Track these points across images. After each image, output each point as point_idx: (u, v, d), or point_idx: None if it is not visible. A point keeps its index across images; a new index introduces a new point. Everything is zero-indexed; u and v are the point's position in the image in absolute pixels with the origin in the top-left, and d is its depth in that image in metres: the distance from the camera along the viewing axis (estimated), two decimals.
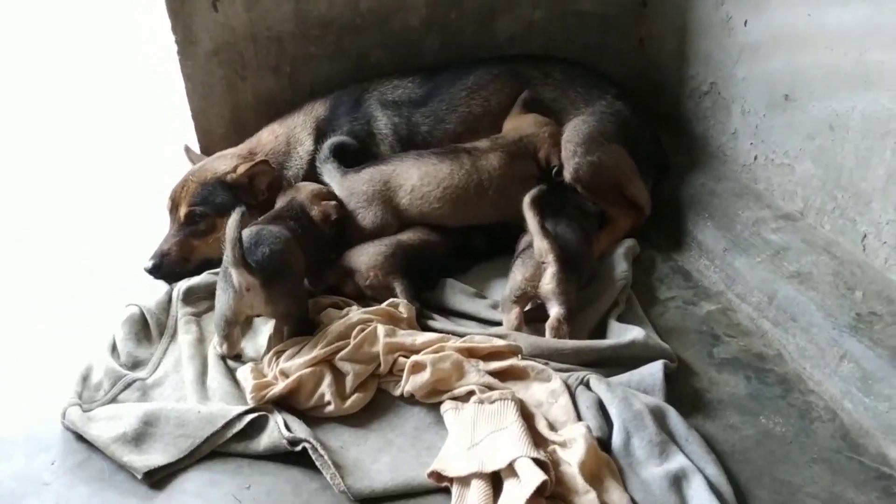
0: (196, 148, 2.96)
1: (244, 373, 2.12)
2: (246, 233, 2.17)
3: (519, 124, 2.69)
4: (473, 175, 2.52)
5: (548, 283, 2.20)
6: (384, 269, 2.39)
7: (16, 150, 3.80)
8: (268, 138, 2.80)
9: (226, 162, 2.69)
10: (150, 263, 2.57)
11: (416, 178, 2.53)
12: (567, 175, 2.61)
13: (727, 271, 2.48)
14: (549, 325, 2.19)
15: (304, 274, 2.35)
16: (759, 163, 2.66)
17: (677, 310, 2.45)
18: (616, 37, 3.21)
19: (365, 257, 2.42)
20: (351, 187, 2.58)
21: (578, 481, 1.69)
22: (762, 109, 2.59)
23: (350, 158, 2.69)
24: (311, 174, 2.72)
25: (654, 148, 2.84)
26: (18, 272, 2.78)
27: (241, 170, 2.62)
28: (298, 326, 2.22)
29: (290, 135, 2.79)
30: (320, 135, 2.76)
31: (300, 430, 1.89)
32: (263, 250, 2.16)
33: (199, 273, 2.57)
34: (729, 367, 2.19)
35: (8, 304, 2.58)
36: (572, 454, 1.75)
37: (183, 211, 2.61)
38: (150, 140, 3.63)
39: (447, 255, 2.57)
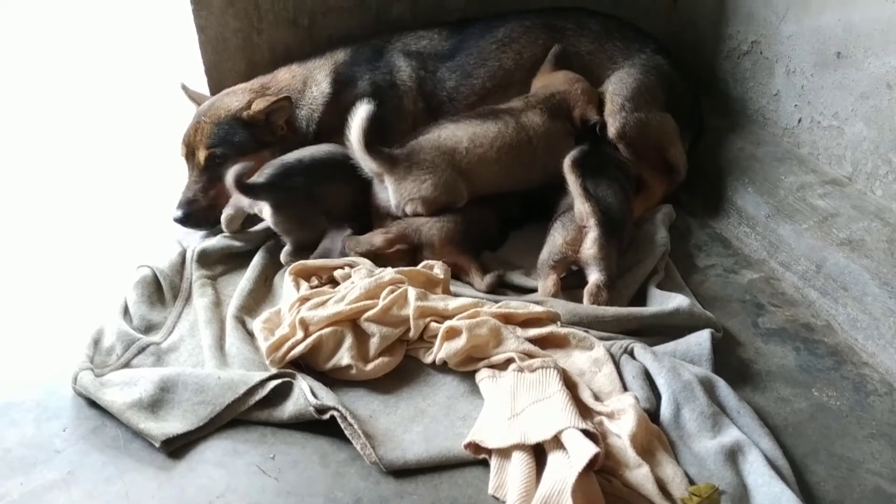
0: None
1: (257, 326, 2.02)
2: (311, 151, 2.42)
3: (549, 81, 2.54)
4: (521, 133, 2.36)
5: (589, 247, 2.09)
6: (460, 245, 2.25)
7: (26, 113, 3.68)
8: (284, 76, 2.65)
9: (237, 98, 2.55)
10: (178, 213, 2.46)
11: (466, 140, 2.33)
12: (612, 131, 2.50)
13: (770, 238, 2.37)
14: (587, 290, 2.08)
15: (340, 206, 2.40)
16: (804, 126, 2.53)
17: (718, 278, 2.34)
18: None
19: (438, 232, 2.25)
20: (409, 157, 2.31)
21: (629, 454, 1.59)
22: (809, 69, 2.46)
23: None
24: (326, 116, 2.61)
25: (693, 104, 2.73)
26: (28, 233, 2.65)
27: (258, 106, 2.48)
28: (294, 246, 2.34)
29: (308, 76, 2.65)
30: (338, 79, 2.63)
31: (327, 397, 1.78)
32: (298, 180, 2.32)
33: None
34: (776, 337, 2.09)
35: (17, 266, 2.46)
36: (621, 426, 1.64)
37: (202, 155, 2.48)
38: (162, 95, 3.50)
39: (496, 230, 2.45)
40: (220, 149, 2.47)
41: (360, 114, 2.21)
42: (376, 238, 2.28)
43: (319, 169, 2.36)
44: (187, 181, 2.52)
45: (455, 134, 2.34)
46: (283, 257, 2.33)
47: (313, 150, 2.44)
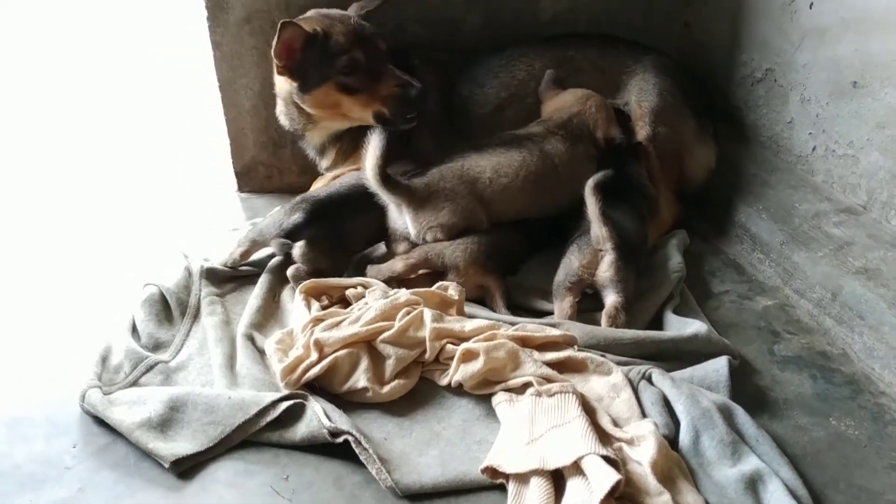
0: (222, 121, 2.82)
1: (270, 348, 1.99)
2: (343, 187, 2.40)
3: (561, 104, 2.54)
4: (546, 161, 2.35)
5: (605, 270, 2.08)
6: (485, 267, 2.23)
7: (37, 128, 3.68)
8: None
9: None
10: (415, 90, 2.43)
11: (490, 170, 2.31)
12: (642, 134, 2.56)
13: (784, 265, 2.36)
14: (605, 312, 2.07)
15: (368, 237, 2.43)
16: (818, 154, 2.53)
17: (732, 304, 2.33)
18: (662, 19, 3.09)
19: (462, 254, 2.22)
20: (429, 185, 2.28)
21: (650, 482, 1.56)
22: (825, 97, 2.46)
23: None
24: None
25: (704, 95, 2.82)
26: (38, 250, 2.64)
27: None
28: (310, 273, 2.28)
29: None
30: None
31: (341, 421, 1.75)
32: (332, 214, 2.32)
33: None
34: (792, 365, 2.07)
35: (29, 281, 2.45)
36: (642, 452, 1.62)
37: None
38: (171, 110, 3.51)
39: (523, 251, 2.43)
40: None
41: (374, 145, 2.18)
42: (397, 265, 2.26)
43: (346, 204, 2.36)
44: (389, 73, 2.47)
45: (478, 164, 2.33)
46: (290, 271, 2.28)
47: (337, 186, 2.44)
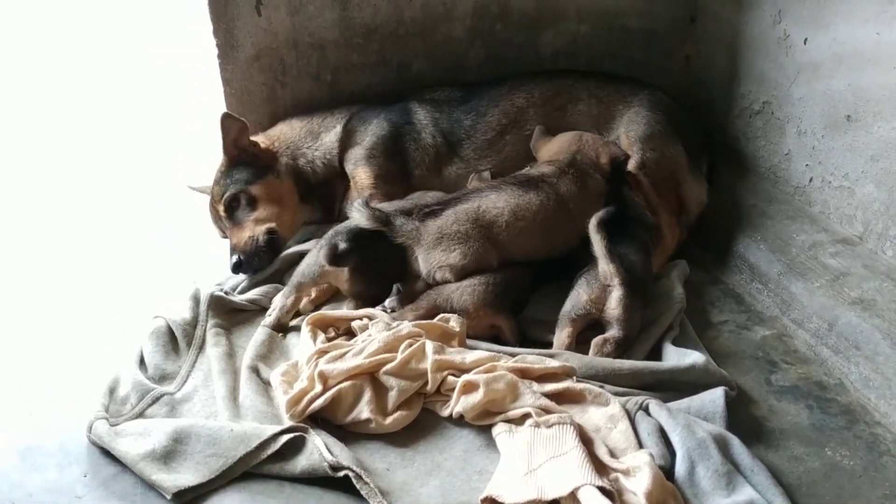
0: None
1: (276, 379, 2.04)
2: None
3: (558, 147, 2.56)
4: (563, 206, 2.37)
5: (614, 307, 2.13)
6: (495, 307, 2.23)
7: (44, 157, 3.76)
8: (281, 129, 2.81)
9: None
10: (232, 261, 2.56)
11: (508, 212, 2.33)
12: (632, 163, 2.60)
13: (782, 296, 2.39)
14: (594, 341, 2.11)
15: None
16: (815, 185, 2.58)
17: (731, 334, 2.36)
18: (662, 53, 3.16)
19: (470, 296, 2.23)
20: (441, 228, 2.30)
21: None
22: (820, 130, 2.52)
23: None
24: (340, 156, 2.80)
25: (697, 131, 2.87)
26: (51, 279, 2.71)
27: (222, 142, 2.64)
28: (367, 304, 2.33)
29: (315, 126, 2.81)
30: (351, 120, 2.79)
31: (343, 455, 1.78)
32: (374, 249, 2.33)
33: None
34: (789, 395, 2.10)
35: (41, 310, 2.52)
36: (637, 483, 1.65)
37: (222, 207, 2.62)
38: (187, 149, 3.57)
39: (530, 288, 2.43)
40: (231, 189, 2.63)
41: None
42: (407, 316, 2.26)
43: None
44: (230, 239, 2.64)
45: (496, 205, 2.33)
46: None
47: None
